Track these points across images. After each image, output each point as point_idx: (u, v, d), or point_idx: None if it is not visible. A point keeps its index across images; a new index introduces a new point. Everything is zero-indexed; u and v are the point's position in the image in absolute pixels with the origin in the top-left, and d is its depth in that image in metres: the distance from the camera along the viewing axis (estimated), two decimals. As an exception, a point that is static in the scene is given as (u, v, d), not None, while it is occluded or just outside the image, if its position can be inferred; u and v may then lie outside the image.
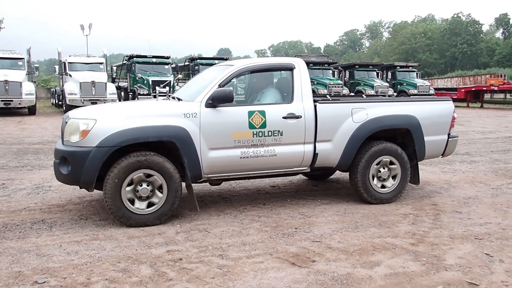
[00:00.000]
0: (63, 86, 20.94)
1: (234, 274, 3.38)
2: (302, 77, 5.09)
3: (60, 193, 5.76)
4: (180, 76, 23.30)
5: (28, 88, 18.43)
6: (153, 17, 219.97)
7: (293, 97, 5.01)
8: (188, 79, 18.47)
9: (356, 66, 28.58)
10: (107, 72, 21.95)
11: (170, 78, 21.02)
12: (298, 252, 3.83)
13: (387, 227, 4.53)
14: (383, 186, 5.37)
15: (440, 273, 3.45)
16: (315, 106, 5.05)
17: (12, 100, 17.89)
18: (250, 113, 4.76)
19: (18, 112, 19.44)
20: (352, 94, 25.86)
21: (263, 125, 4.79)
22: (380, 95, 24.06)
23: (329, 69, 27.18)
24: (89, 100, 18.38)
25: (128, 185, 4.38)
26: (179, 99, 5.08)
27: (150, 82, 20.33)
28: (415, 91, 26.39)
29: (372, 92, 25.52)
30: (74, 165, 4.31)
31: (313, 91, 25.87)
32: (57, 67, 23.46)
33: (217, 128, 4.64)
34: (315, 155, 5.08)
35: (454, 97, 29.87)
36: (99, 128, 4.30)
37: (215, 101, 4.62)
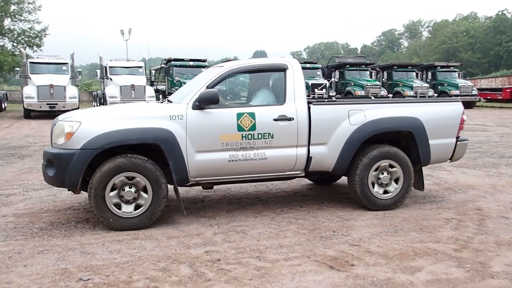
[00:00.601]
0: (104, 89, 21.73)
1: (272, 276, 3.38)
2: (295, 78, 4.95)
3: (103, 193, 5.94)
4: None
5: (72, 91, 19.25)
6: (191, 22, 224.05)
7: (285, 98, 4.87)
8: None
9: (394, 67, 28.03)
10: (146, 75, 22.56)
11: (207, 80, 21.27)
12: (336, 255, 3.79)
13: (429, 232, 4.41)
14: (384, 192, 5.12)
15: (486, 281, 3.32)
16: (309, 108, 4.91)
17: (56, 103, 18.71)
18: (239, 115, 4.66)
19: (63, 115, 20.22)
20: (391, 95, 25.37)
21: (253, 128, 4.66)
22: (420, 96, 23.50)
23: (367, 70, 26.82)
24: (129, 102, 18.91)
25: (112, 189, 4.35)
26: (169, 102, 5.07)
27: (187, 85, 20.66)
28: (457, 92, 25.57)
29: (411, 93, 24.94)
30: (59, 167, 4.33)
31: (350, 93, 25.66)
32: (98, 71, 24.34)
33: (204, 131, 4.56)
34: (309, 158, 4.92)
35: (499, 97, 28.84)
36: (83, 130, 4.32)
37: (202, 103, 4.55)
